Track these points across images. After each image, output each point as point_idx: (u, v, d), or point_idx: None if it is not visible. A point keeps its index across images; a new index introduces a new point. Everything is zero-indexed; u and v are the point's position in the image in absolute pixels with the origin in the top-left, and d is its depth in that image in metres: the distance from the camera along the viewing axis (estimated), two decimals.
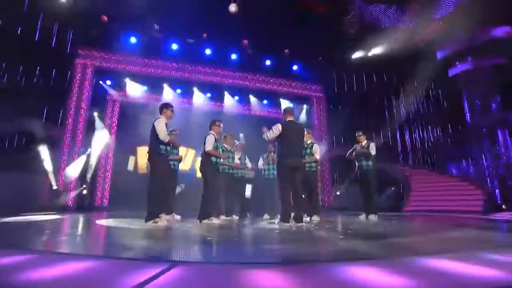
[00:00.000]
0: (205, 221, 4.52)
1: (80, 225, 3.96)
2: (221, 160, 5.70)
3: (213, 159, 4.78)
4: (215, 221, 4.57)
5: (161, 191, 4.18)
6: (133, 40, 9.32)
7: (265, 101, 12.40)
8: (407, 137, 12.09)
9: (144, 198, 4.13)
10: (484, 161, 10.17)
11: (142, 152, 9.02)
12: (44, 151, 7.61)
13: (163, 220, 4.09)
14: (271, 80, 11.43)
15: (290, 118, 4.52)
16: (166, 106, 4.57)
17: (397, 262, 1.54)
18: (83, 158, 8.28)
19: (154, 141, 4.17)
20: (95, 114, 9.16)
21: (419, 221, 4.79)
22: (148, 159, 4.21)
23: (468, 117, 10.39)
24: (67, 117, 8.45)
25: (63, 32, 8.46)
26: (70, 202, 8.05)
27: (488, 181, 9.90)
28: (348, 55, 10.77)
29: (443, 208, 8.15)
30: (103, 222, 4.24)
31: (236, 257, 1.86)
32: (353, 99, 11.66)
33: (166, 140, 4.13)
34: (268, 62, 11.22)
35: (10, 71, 8.37)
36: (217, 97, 11.59)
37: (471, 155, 10.29)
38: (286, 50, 10.89)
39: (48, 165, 7.59)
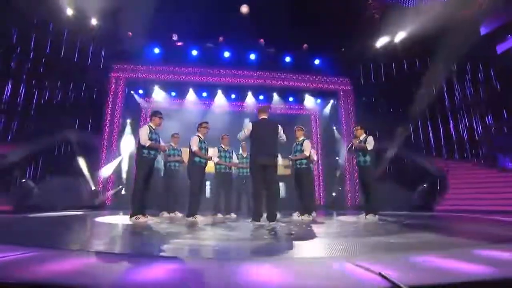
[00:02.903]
0: (190, 218, 4.80)
1: (67, 221, 4.49)
2: (217, 159, 5.97)
3: (197, 159, 5.01)
4: (198, 218, 4.80)
5: (144, 191, 4.55)
6: (156, 50, 10.13)
7: (290, 99, 12.29)
8: (451, 126, 10.72)
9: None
10: None
11: None
12: (85, 156, 8.80)
13: (146, 218, 4.45)
14: (294, 77, 11.26)
15: (263, 116, 4.50)
16: (155, 113, 4.97)
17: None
18: (116, 161, 9.33)
19: (138, 146, 4.60)
20: (128, 121, 10.22)
21: (419, 223, 4.29)
22: (135, 162, 4.67)
23: None
24: (103, 125, 9.61)
25: (97, 51, 9.64)
26: (108, 201, 9.16)
27: None
28: (372, 43, 10.02)
29: (485, 208, 7.06)
30: (101, 219, 4.77)
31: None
32: (383, 90, 10.82)
33: (147, 145, 4.51)
34: (288, 59, 11.07)
35: (61, 90, 9.93)
36: (242, 98, 11.88)
37: None
38: (305, 45, 10.60)
39: (88, 168, 8.76)
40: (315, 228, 3.48)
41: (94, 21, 8.87)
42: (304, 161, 5.35)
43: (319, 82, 11.28)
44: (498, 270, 1.37)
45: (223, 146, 6.16)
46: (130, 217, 4.39)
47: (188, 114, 10.96)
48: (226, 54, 10.66)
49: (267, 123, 4.47)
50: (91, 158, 9.03)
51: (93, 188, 8.67)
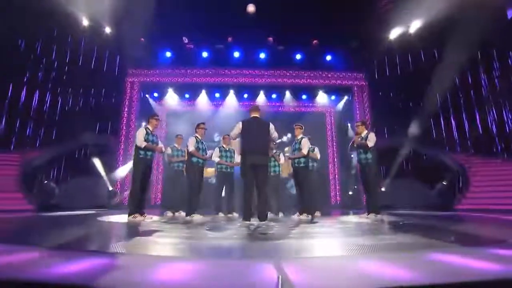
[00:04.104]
0: (188, 217, 4.90)
1: (65, 220, 4.68)
2: (218, 159, 6.03)
3: (194, 159, 5.10)
4: (196, 217, 4.88)
5: (141, 191, 4.71)
6: (168, 54, 10.43)
7: (304, 96, 12.11)
8: (477, 119, 9.96)
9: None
10: None
11: None
12: (103, 159, 9.27)
13: (143, 217, 4.60)
14: (305, 74, 11.08)
15: (254, 115, 4.48)
16: (152, 116, 5.15)
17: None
18: (131, 163, 9.72)
19: (135, 147, 4.77)
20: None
21: (417, 224, 4.02)
22: (132, 163, 4.86)
23: None
24: (120, 128, 10.07)
25: (113, 57, 10.13)
26: (125, 200, 9.58)
27: None
28: (385, 34, 9.56)
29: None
30: (103, 218, 4.96)
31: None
32: (400, 83, 10.29)
33: (142, 146, 4.67)
34: (298, 56, 10.89)
35: (83, 97, 10.58)
36: (254, 97, 11.87)
37: None
38: (315, 41, 10.36)
39: (106, 170, 9.22)
40: (300, 229, 3.39)
41: (108, 30, 9.31)
42: (303, 159, 5.24)
43: (332, 78, 11.01)
44: (424, 276, 1.26)
45: (224, 146, 6.20)
46: (128, 216, 4.57)
47: (202, 115, 11.14)
48: (236, 54, 10.72)
49: (258, 122, 4.44)
50: (109, 160, 9.50)
51: (110, 188, 9.11)
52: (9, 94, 9.68)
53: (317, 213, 6.03)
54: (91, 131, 9.76)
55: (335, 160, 11.67)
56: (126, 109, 10.21)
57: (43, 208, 6.97)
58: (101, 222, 4.17)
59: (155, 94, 11.34)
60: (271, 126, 4.44)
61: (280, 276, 1.15)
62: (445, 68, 9.08)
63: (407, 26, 9.18)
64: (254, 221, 4.11)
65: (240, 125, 4.37)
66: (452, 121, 10.32)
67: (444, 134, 10.30)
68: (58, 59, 9.75)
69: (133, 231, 3.13)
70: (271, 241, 2.37)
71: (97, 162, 9.06)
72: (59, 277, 1.23)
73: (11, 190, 7.46)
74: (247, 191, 4.25)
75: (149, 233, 2.89)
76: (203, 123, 5.49)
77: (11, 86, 9.61)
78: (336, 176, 11.54)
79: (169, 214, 5.88)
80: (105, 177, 9.05)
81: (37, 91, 10.12)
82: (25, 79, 9.88)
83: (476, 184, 7.80)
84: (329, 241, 2.32)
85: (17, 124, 9.65)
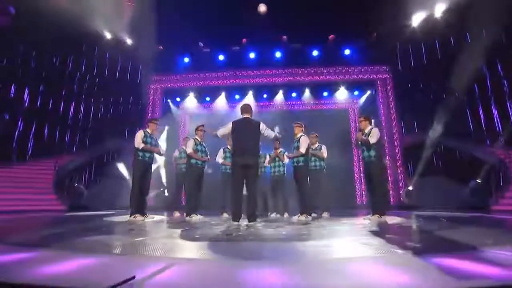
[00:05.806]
0: (187, 217, 4.99)
1: (72, 220, 5.01)
2: (221, 160, 6.10)
3: (193, 161, 5.19)
4: (194, 218, 4.95)
5: (140, 192, 4.90)
6: (186, 60, 10.80)
7: (325, 93, 11.72)
8: None
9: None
10: None
11: None
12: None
13: (143, 217, 4.79)
14: (324, 71, 10.73)
15: (245, 115, 4.43)
16: (150, 120, 5.37)
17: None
18: (154, 166, 10.22)
19: (134, 149, 4.99)
20: (166, 128, 11.11)
21: (414, 226, 3.61)
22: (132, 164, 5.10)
23: None
24: None
25: (136, 66, 10.74)
26: (150, 201, 10.07)
27: None
28: (407, 21, 8.86)
29: None
30: (112, 218, 5.25)
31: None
32: (428, 73, 9.46)
33: (140, 148, 4.88)
34: (315, 53, 10.57)
35: (113, 105, 11.39)
36: (273, 97, 11.79)
37: None
38: (331, 36, 9.96)
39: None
40: (278, 230, 3.25)
41: (128, 41, 9.91)
42: (301, 158, 5.05)
43: (352, 73, 10.51)
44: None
45: (229, 147, 6.21)
46: (130, 216, 4.78)
47: (222, 117, 11.22)
48: (252, 55, 10.74)
49: (249, 122, 4.39)
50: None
51: None
52: (50, 107, 10.76)
53: (325, 214, 5.78)
54: (119, 137, 10.46)
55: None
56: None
57: (73, 209, 7.62)
58: (100, 222, 4.41)
59: (177, 99, 11.78)
60: (262, 126, 4.36)
61: (134, 276, 1.11)
62: (481, 51, 8.12)
63: (431, 10, 8.41)
64: (244, 222, 4.06)
65: (230, 125, 4.35)
66: (494, 110, 9.21)
67: (483, 126, 9.23)
68: (88, 72, 10.62)
69: (109, 230, 3.25)
70: (218, 242, 2.32)
71: (122, 166, 9.66)
72: None
73: (47, 192, 8.29)
74: (236, 191, 4.21)
75: (122, 232, 2.99)
76: (202, 125, 5.58)
77: (51, 100, 10.65)
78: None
79: (177, 214, 6.04)
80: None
81: (73, 103, 11.09)
82: (63, 93, 10.88)
83: None
84: (272, 245, 2.19)
85: (57, 133, 10.68)
